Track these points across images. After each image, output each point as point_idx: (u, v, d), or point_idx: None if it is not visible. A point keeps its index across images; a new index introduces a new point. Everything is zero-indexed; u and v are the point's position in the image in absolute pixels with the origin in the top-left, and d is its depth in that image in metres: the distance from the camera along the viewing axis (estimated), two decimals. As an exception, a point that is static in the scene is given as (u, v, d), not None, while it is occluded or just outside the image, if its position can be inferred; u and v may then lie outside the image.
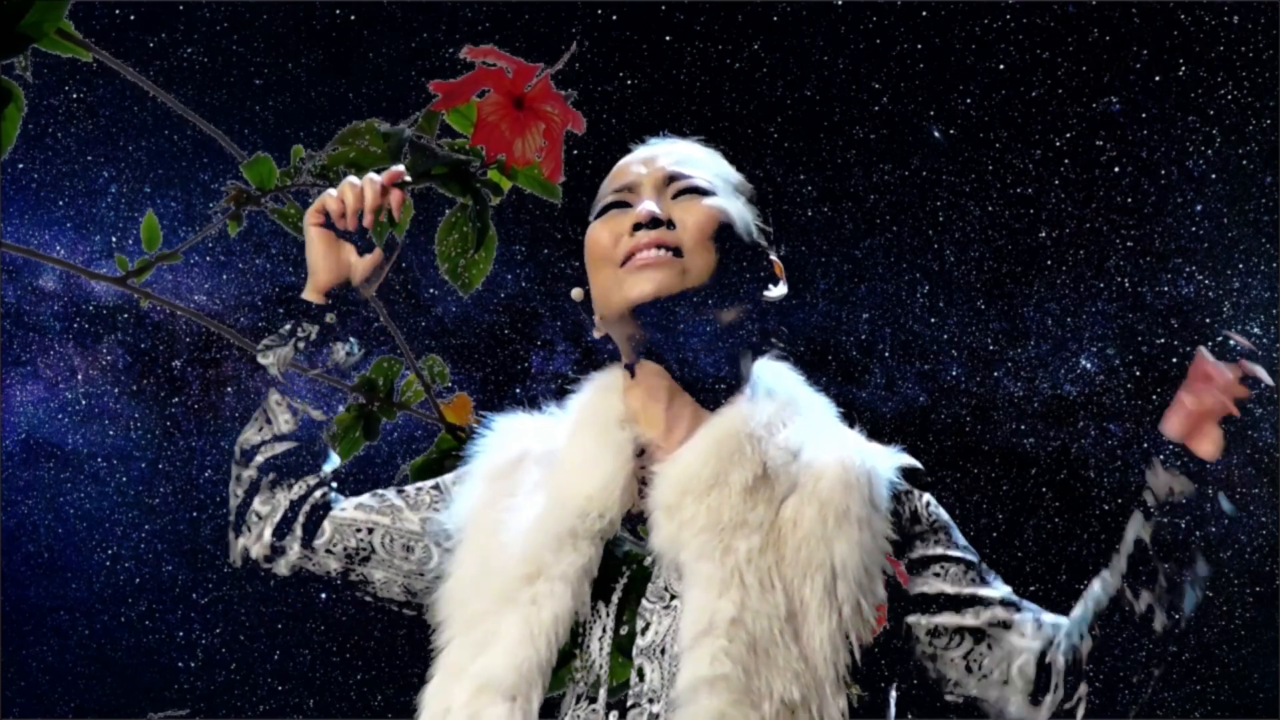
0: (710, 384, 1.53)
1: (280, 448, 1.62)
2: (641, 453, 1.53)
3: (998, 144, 4.67)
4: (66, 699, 4.74)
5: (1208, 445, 1.48)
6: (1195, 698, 4.67)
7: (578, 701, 1.43)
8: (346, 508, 1.63)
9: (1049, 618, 1.54)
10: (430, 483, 1.64)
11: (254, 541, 1.61)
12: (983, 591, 1.46)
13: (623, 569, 1.47)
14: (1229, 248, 4.62)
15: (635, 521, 1.49)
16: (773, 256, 1.60)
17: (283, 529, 1.60)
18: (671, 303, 1.50)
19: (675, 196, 1.54)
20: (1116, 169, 4.59)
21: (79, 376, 4.67)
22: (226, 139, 1.74)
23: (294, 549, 1.60)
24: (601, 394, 1.58)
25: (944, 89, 4.64)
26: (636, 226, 1.51)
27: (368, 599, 1.61)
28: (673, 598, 1.43)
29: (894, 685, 1.50)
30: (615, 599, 1.46)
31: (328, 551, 1.60)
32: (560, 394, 1.63)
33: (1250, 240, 4.59)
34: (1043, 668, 1.43)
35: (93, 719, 4.72)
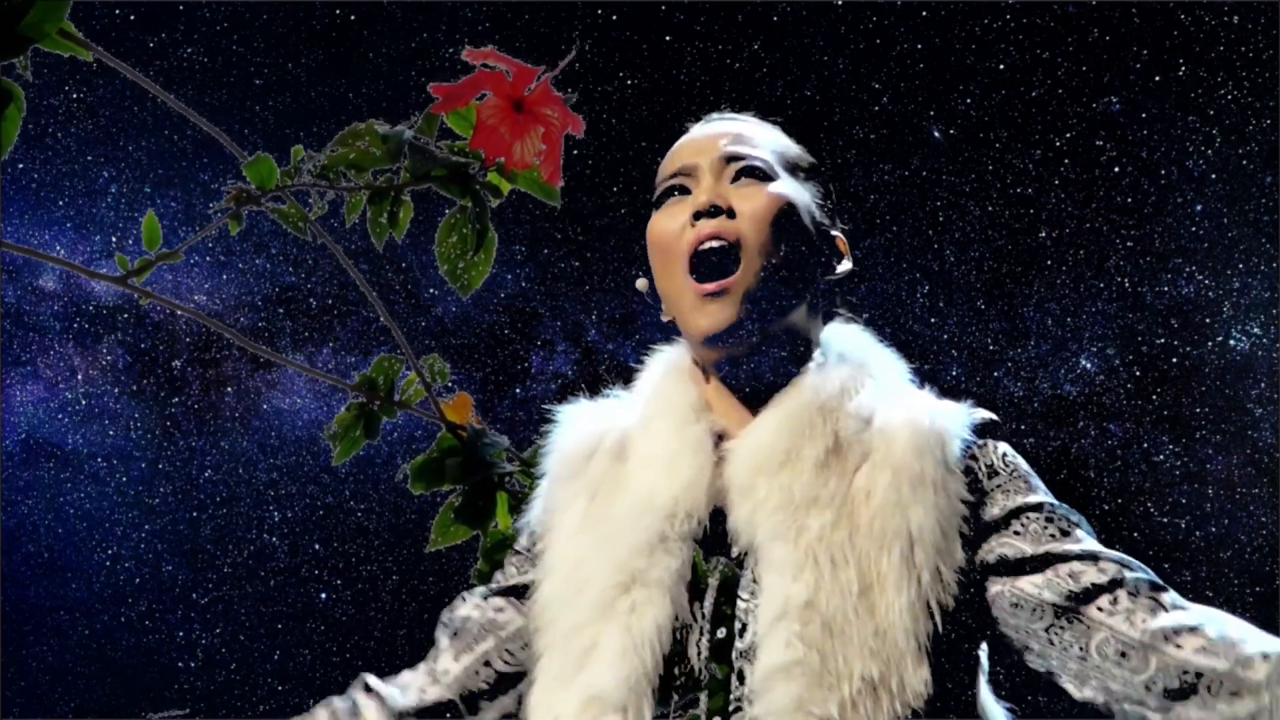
0: (782, 366, 1.51)
1: None
2: (719, 440, 1.51)
3: (998, 144, 4.67)
4: (66, 699, 4.74)
5: None
6: (1195, 698, 4.66)
7: (676, 711, 1.42)
8: (447, 666, 1.57)
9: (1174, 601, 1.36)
10: (504, 571, 1.59)
11: None
12: (1063, 547, 1.40)
13: (714, 567, 1.46)
14: (1229, 248, 4.62)
15: (722, 514, 1.48)
16: (835, 232, 1.58)
17: None
18: (737, 331, 1.49)
19: (735, 180, 1.52)
20: (1116, 169, 4.59)
21: (79, 376, 4.67)
22: (227, 139, 1.74)
23: None
24: (673, 380, 1.56)
25: (944, 89, 4.64)
26: (697, 215, 1.50)
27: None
28: (755, 591, 1.42)
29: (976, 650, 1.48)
30: (709, 601, 1.45)
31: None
32: (627, 378, 1.59)
33: (1250, 240, 4.59)
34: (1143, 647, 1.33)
35: (93, 719, 4.72)
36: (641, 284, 1.57)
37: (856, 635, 1.37)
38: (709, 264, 1.46)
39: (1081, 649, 1.43)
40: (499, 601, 1.55)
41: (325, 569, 4.74)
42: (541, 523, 1.54)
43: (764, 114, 1.63)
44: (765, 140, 1.56)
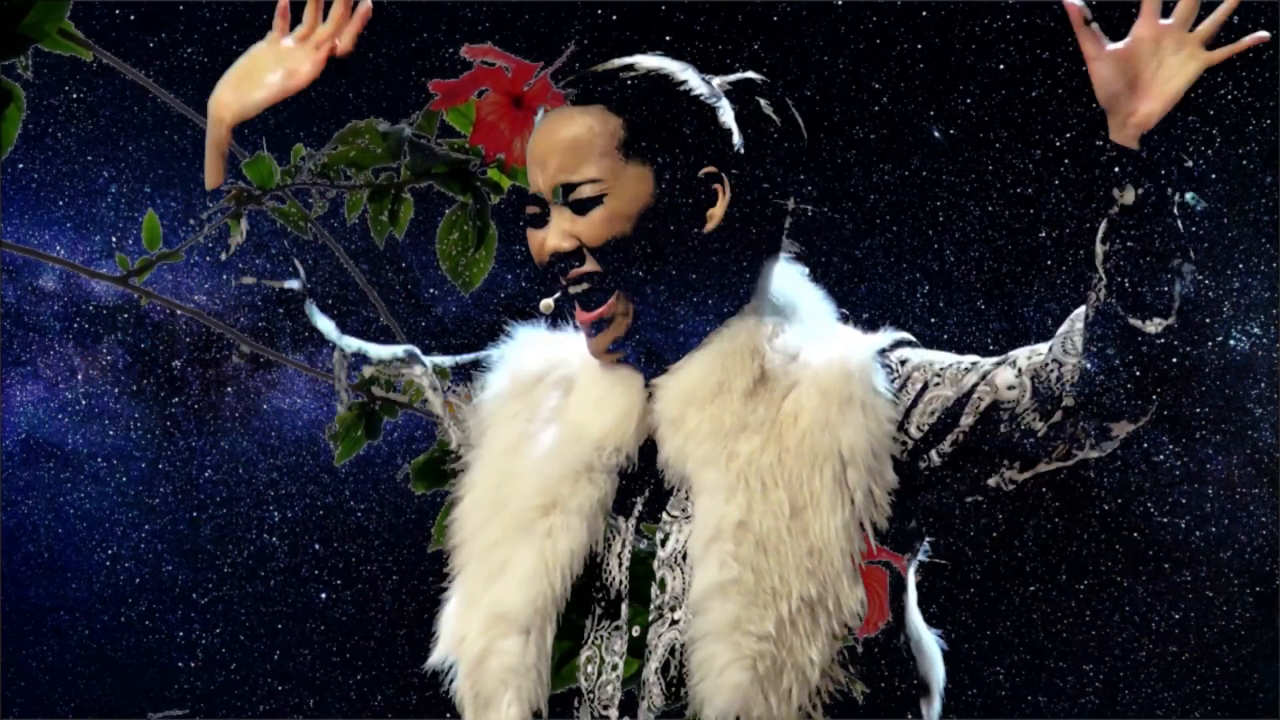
0: (702, 322, 1.54)
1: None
2: (650, 382, 1.54)
3: (998, 144, 4.67)
4: (66, 699, 4.74)
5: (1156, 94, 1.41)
6: (1195, 698, 4.67)
7: (599, 621, 1.43)
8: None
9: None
10: (450, 362, 1.65)
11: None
12: (972, 374, 1.44)
13: (645, 487, 1.49)
14: (1229, 248, 4.62)
15: (653, 448, 1.50)
16: (702, 173, 1.56)
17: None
18: (626, 346, 1.52)
19: (575, 209, 1.54)
20: (1116, 169, 4.59)
21: (79, 376, 4.67)
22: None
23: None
24: None
25: (944, 89, 4.64)
26: (550, 261, 1.54)
27: None
28: (687, 509, 1.44)
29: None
30: (636, 513, 1.47)
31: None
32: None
33: (1250, 240, 4.59)
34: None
35: (93, 719, 4.72)
36: (547, 305, 1.61)
37: (791, 554, 1.40)
38: (582, 299, 1.50)
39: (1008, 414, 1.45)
40: (447, 394, 1.61)
41: (325, 569, 4.74)
42: (476, 429, 1.58)
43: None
44: (593, 143, 1.54)
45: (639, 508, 1.48)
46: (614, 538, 1.47)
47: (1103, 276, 1.35)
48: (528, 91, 1.58)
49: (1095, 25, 1.41)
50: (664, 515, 1.45)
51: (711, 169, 1.56)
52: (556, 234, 1.52)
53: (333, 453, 1.91)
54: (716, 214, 1.55)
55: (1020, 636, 4.86)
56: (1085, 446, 1.45)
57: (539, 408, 1.57)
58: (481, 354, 1.65)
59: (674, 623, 1.39)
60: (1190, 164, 1.51)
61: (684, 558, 1.41)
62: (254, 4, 4.39)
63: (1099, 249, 1.37)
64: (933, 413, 1.45)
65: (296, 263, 1.68)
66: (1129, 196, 1.38)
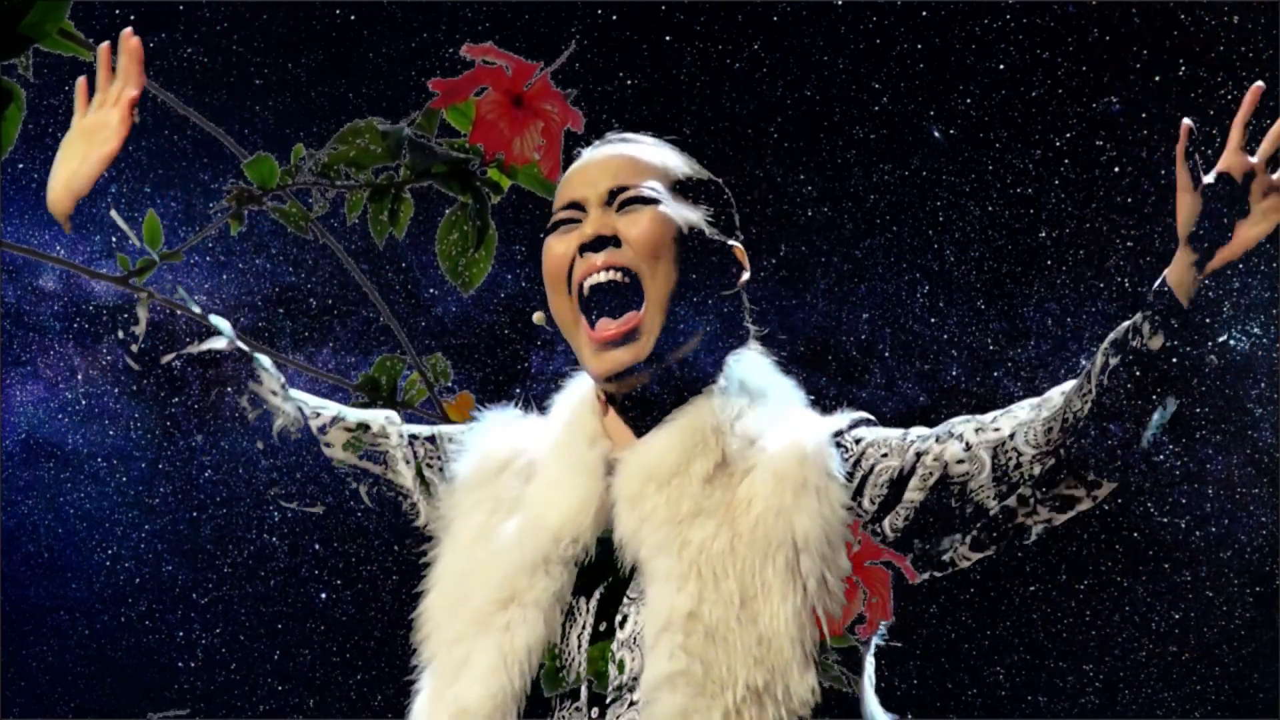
0: (681, 391, 1.53)
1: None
2: (612, 469, 1.53)
3: (998, 144, 4.67)
4: (66, 699, 4.74)
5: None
6: (1195, 698, 4.67)
7: (561, 701, 1.43)
8: (332, 441, 1.65)
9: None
10: (426, 431, 1.65)
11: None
12: (916, 444, 1.44)
13: (606, 568, 1.48)
14: (1229, 248, 4.60)
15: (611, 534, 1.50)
16: (732, 243, 1.59)
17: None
18: (639, 372, 1.51)
19: (620, 209, 1.54)
20: (1116, 169, 4.59)
21: (79, 376, 4.67)
22: (228, 138, 1.74)
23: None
24: (576, 407, 1.59)
25: (944, 89, 4.64)
26: (583, 248, 1.52)
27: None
28: (644, 593, 1.44)
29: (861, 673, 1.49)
30: (597, 595, 1.47)
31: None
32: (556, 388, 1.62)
33: (1250, 240, 4.58)
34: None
35: (93, 719, 4.72)
36: (539, 318, 1.60)
37: (740, 644, 1.39)
38: (603, 303, 1.48)
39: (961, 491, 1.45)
40: (415, 449, 1.60)
41: (325, 569, 4.74)
42: (444, 518, 1.58)
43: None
44: (652, 165, 1.57)
45: (600, 590, 1.47)
46: (574, 620, 1.47)
47: (1092, 390, 1.34)
48: (528, 91, 1.58)
49: (1198, 158, 1.41)
50: (624, 597, 1.45)
51: (738, 245, 1.59)
52: (597, 224, 1.51)
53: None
54: (733, 283, 1.58)
55: (1020, 636, 4.86)
56: (1037, 527, 1.45)
57: (502, 498, 1.56)
58: (457, 429, 1.65)
59: (632, 704, 1.40)
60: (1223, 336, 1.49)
61: (639, 641, 1.41)
62: (254, 4, 4.39)
63: (1100, 360, 1.36)
64: (883, 484, 1.45)
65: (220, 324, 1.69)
66: (1155, 343, 1.36)
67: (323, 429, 1.63)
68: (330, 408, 1.66)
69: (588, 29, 4.38)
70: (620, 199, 1.53)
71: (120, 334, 1.65)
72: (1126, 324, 1.36)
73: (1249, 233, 1.39)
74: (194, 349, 1.65)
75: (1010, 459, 1.40)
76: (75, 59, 1.63)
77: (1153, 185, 4.65)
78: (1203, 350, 1.36)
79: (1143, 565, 4.82)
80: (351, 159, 1.67)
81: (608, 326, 1.51)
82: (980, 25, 4.52)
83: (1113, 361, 1.35)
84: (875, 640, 1.51)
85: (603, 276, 1.51)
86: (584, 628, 1.46)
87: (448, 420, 1.89)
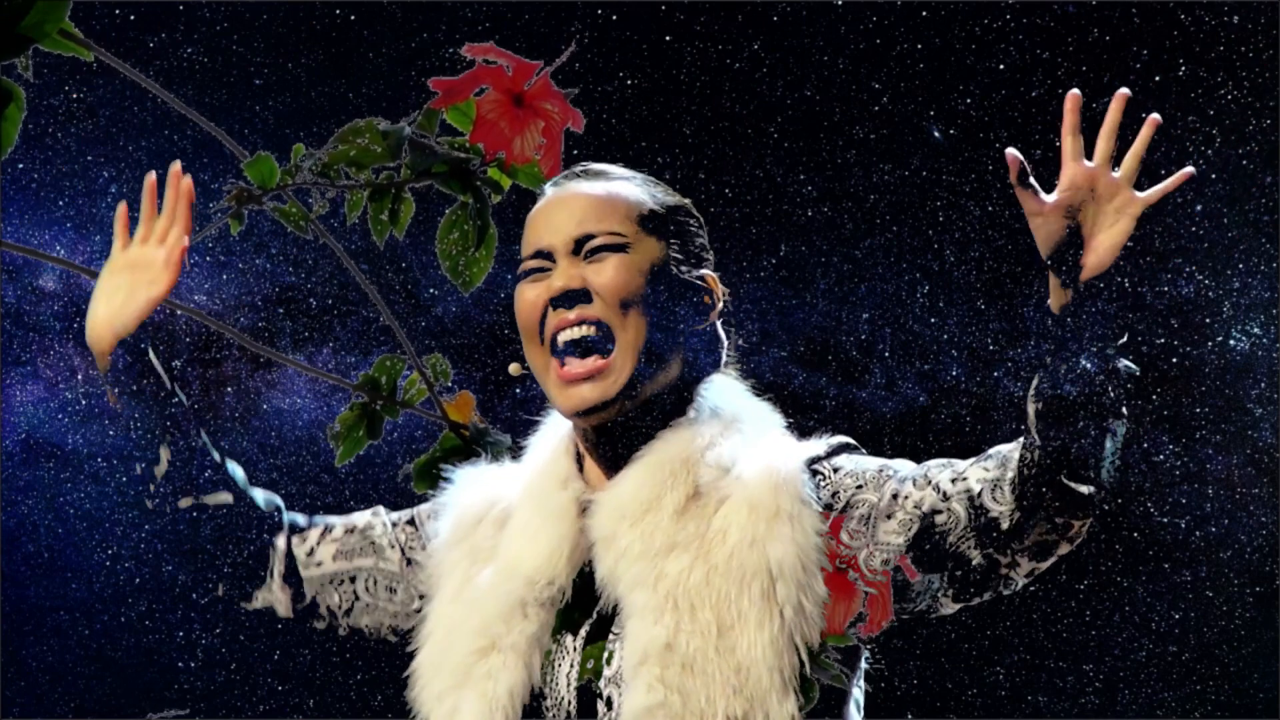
0: (653, 426, 1.53)
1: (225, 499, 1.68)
2: (585, 509, 1.53)
3: (998, 144, 4.66)
4: (66, 699, 4.74)
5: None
6: (1195, 698, 4.67)
7: None
8: (322, 558, 1.66)
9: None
10: (405, 516, 1.66)
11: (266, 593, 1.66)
12: (891, 485, 1.43)
13: (591, 606, 1.49)
14: (1229, 248, 4.62)
15: (592, 575, 1.50)
16: (702, 272, 1.59)
17: (269, 591, 1.66)
18: (609, 407, 1.50)
19: (587, 258, 1.53)
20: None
21: (79, 376, 4.67)
22: (227, 139, 1.74)
23: (285, 608, 1.65)
24: (549, 449, 1.59)
25: (944, 89, 4.64)
26: (554, 302, 1.52)
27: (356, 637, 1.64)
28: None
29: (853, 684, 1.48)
30: (583, 633, 1.47)
31: (313, 615, 1.63)
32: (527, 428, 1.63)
33: (1250, 240, 4.59)
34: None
35: (93, 719, 4.71)
36: (515, 369, 1.61)
37: (718, 674, 1.39)
38: (574, 350, 1.48)
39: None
40: (397, 534, 1.60)
41: (325, 569, 4.73)
42: (429, 582, 1.59)
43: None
44: (616, 205, 1.56)
45: (586, 627, 1.47)
46: (561, 659, 1.47)
47: (1036, 440, 1.35)
48: (528, 90, 1.58)
49: (1033, 181, 1.40)
50: (610, 634, 1.45)
51: (711, 274, 1.59)
52: (565, 276, 1.51)
53: (333, 453, 1.91)
54: (706, 317, 1.57)
55: (1020, 636, 4.86)
56: (1021, 578, 1.45)
57: (479, 548, 1.57)
58: (433, 504, 1.66)
59: None
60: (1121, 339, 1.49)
61: (622, 676, 1.41)
62: (254, 4, 4.39)
63: (1029, 408, 1.37)
64: (857, 519, 1.45)
65: (233, 471, 1.70)
66: (1065, 375, 1.38)
67: (311, 551, 1.63)
68: (316, 525, 1.67)
69: (588, 29, 4.38)
70: (587, 248, 1.53)
71: (140, 469, 1.67)
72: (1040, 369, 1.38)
73: (1109, 237, 1.40)
74: (207, 498, 1.68)
75: (982, 515, 1.40)
76: (75, 59, 1.63)
77: (1153, 185, 4.65)
78: (1115, 364, 1.38)
79: (1143, 565, 4.82)
80: (352, 159, 1.67)
81: (575, 365, 1.51)
82: (980, 25, 4.53)
83: (1038, 407, 1.36)
84: (861, 668, 1.51)
85: (575, 332, 1.52)
86: (572, 666, 1.47)
87: (448, 419, 1.89)
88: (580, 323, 1.51)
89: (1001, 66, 4.55)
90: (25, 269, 4.65)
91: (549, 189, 1.58)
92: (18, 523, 4.68)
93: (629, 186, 1.57)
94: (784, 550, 1.41)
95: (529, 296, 1.54)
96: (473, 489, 1.63)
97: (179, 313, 1.79)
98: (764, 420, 1.57)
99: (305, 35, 4.44)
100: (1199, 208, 4.61)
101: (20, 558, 4.69)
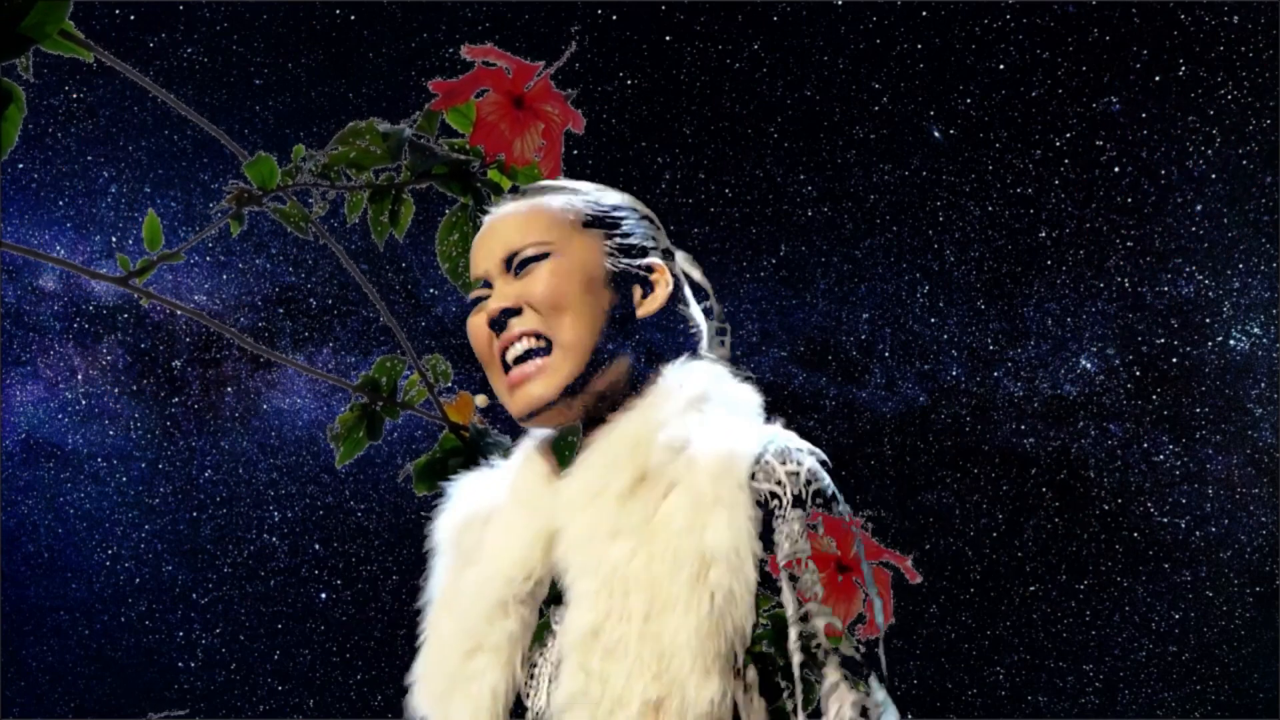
0: (606, 416, 1.53)
1: None
2: None
3: (998, 144, 4.67)
4: (66, 699, 4.74)
5: None
6: (1195, 698, 4.67)
7: None
8: None
9: None
10: None
11: None
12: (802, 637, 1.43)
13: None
14: (1229, 248, 4.62)
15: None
16: (647, 261, 1.58)
17: None
18: (555, 404, 1.51)
19: (518, 273, 1.54)
20: (1116, 169, 4.60)
21: (79, 376, 4.67)
22: (227, 139, 1.74)
23: None
24: (533, 448, 1.59)
25: (944, 89, 4.64)
26: (493, 324, 1.53)
27: None
28: None
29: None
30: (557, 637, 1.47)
31: None
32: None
33: (1250, 240, 4.59)
34: None
35: (93, 719, 4.72)
36: (482, 400, 1.61)
37: (639, 659, 1.38)
38: (518, 363, 1.49)
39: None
40: None
41: (325, 569, 4.74)
42: (428, 596, 1.59)
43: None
44: (540, 215, 1.55)
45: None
46: (544, 669, 1.47)
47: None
48: (528, 92, 1.58)
49: None
50: (554, 624, 1.46)
51: (657, 261, 1.58)
52: (500, 296, 1.51)
53: (333, 453, 1.91)
54: (652, 305, 1.56)
55: (1020, 636, 4.87)
56: None
57: (466, 552, 1.57)
58: None
59: None
60: None
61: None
62: (254, 4, 4.39)
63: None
64: (774, 604, 1.44)
65: None
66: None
67: None
68: None
69: (588, 29, 4.38)
70: (515, 263, 1.53)
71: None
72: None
73: None
74: None
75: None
76: (75, 59, 1.63)
77: (1153, 185, 4.66)
78: None
79: (1143, 565, 4.82)
80: (352, 160, 1.67)
81: (515, 376, 1.52)
82: (980, 25, 4.53)
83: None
84: None
85: (519, 347, 1.51)
86: (549, 680, 1.47)
87: (448, 420, 1.89)
88: (521, 337, 1.51)
89: (1001, 66, 4.55)
90: (25, 269, 4.66)
91: (485, 219, 1.59)
92: (18, 523, 4.68)
93: (555, 196, 1.57)
94: (718, 537, 1.40)
95: (475, 324, 1.55)
96: (461, 500, 1.64)
97: (179, 313, 1.78)
98: (733, 401, 1.56)
99: (305, 35, 4.45)
100: (1199, 208, 4.61)
101: (20, 558, 4.69)
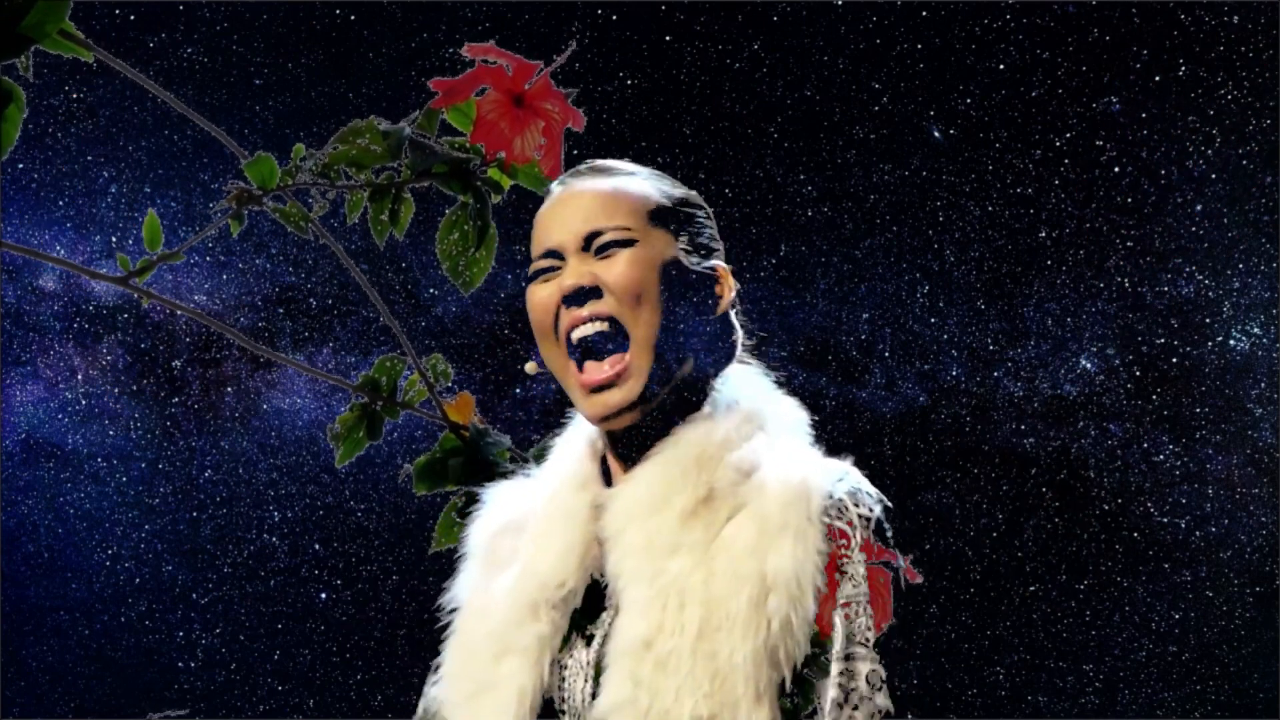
0: (669, 421, 1.52)
1: None
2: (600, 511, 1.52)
3: (998, 144, 4.67)
4: (66, 699, 4.74)
5: None
6: (1195, 698, 4.67)
7: None
8: None
9: None
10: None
11: None
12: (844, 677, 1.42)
13: (601, 613, 1.48)
14: (1229, 248, 4.62)
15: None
16: (713, 264, 1.58)
17: None
18: (633, 409, 1.50)
19: (598, 254, 1.53)
20: (1116, 169, 4.60)
21: (79, 376, 4.67)
22: (227, 139, 1.74)
23: None
24: (572, 453, 1.59)
25: (944, 89, 4.64)
26: (566, 300, 1.51)
27: None
28: None
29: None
30: (597, 641, 1.46)
31: None
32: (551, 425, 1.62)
33: (1250, 240, 4.59)
34: None
35: (93, 719, 4.72)
36: (531, 367, 1.59)
37: (691, 676, 1.38)
38: (591, 352, 1.48)
39: None
40: None
41: (325, 569, 4.74)
42: (456, 600, 1.58)
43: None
44: (623, 199, 1.55)
45: (599, 633, 1.47)
46: (577, 673, 1.47)
47: None
48: (528, 90, 1.58)
49: None
50: (604, 629, 1.45)
51: (721, 265, 1.58)
52: (576, 274, 1.50)
53: (333, 453, 1.91)
54: (718, 309, 1.56)
55: (1020, 636, 4.87)
56: None
57: (498, 557, 1.57)
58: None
59: None
60: None
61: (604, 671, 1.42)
62: (254, 4, 4.39)
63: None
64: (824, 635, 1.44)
65: None
66: None
67: None
68: None
69: (588, 29, 4.38)
70: (596, 244, 1.52)
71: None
72: None
73: None
74: None
75: None
76: (75, 59, 1.63)
77: (1153, 185, 4.66)
78: None
79: (1143, 565, 4.82)
80: (352, 159, 1.67)
81: (596, 370, 1.50)
82: (980, 25, 4.53)
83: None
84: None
85: (588, 329, 1.50)
86: (586, 680, 1.47)
87: (448, 419, 1.89)
88: (593, 319, 1.50)
89: (1001, 66, 4.55)
90: (25, 269, 4.66)
91: (555, 188, 1.57)
92: (18, 523, 4.68)
93: (635, 181, 1.56)
94: (782, 563, 1.40)
95: (540, 296, 1.53)
96: (496, 506, 1.63)
97: (179, 313, 1.78)
98: (787, 419, 1.56)
99: (305, 35, 4.45)
100: (1199, 208, 4.61)
101: (20, 558, 4.69)
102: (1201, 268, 4.64)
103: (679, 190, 1.58)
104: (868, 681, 1.40)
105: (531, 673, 1.45)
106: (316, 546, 4.75)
